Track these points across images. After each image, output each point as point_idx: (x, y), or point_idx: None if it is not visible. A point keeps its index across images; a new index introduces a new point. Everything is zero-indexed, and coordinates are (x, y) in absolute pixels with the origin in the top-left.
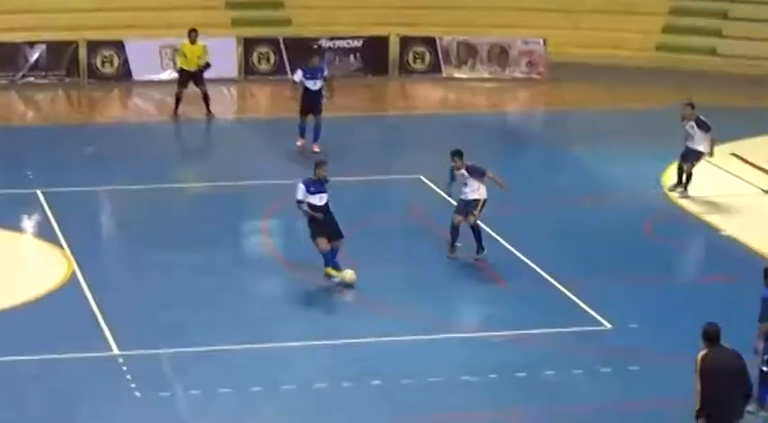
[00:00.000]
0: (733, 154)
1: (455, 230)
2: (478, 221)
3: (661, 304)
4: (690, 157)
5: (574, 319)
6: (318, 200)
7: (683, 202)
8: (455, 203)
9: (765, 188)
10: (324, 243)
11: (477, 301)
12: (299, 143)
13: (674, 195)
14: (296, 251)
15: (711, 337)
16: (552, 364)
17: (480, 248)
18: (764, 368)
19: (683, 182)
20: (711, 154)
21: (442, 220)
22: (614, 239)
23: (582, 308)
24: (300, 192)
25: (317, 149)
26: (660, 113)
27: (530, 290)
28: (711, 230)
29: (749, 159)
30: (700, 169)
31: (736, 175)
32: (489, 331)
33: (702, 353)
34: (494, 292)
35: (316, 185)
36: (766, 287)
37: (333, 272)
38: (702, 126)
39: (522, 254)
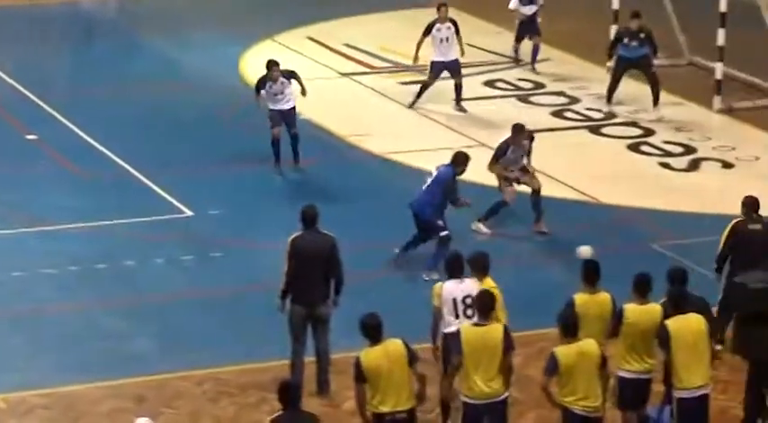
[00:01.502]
0: (309, 37)
1: (277, 144)
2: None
3: (241, 190)
4: (457, 72)
5: (154, 208)
6: None
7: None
8: None
9: (342, 71)
10: None
11: (55, 193)
12: None
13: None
14: None
15: (307, 219)
16: (132, 253)
17: (297, 156)
18: (396, 250)
19: (456, 96)
20: (462, 53)
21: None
22: (193, 127)
23: (162, 196)
24: None
25: None
26: None
27: (108, 179)
28: None
29: (325, 43)
30: (277, 52)
31: (312, 59)
32: (68, 223)
33: (294, 235)
34: (72, 183)
35: None
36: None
37: None
38: (457, 25)
39: (100, 143)
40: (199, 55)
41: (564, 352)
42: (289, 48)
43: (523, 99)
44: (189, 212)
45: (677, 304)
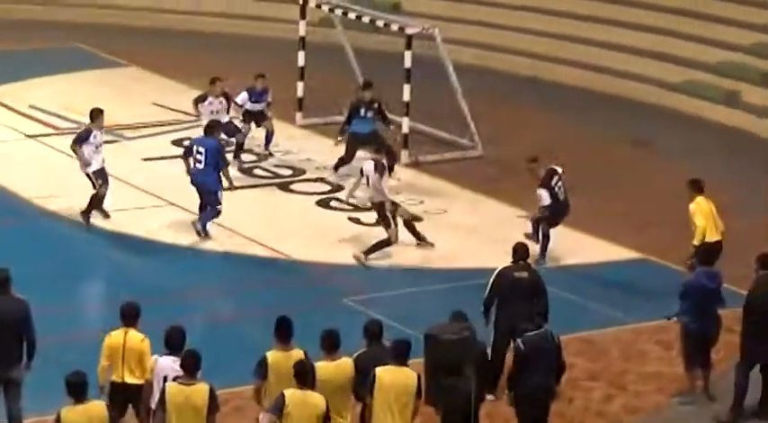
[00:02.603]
0: None
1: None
2: None
3: None
4: (233, 132)
5: None
6: None
7: None
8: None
9: (28, 133)
10: None
11: None
12: None
13: None
14: None
15: None
16: None
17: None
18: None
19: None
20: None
21: None
22: None
23: None
24: None
25: None
26: None
27: None
28: None
29: (9, 105)
30: None
31: None
32: None
33: None
34: None
35: None
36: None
37: None
38: (228, 98)
39: None
40: None
41: (292, 395)
42: None
43: None
44: None
45: (395, 356)
